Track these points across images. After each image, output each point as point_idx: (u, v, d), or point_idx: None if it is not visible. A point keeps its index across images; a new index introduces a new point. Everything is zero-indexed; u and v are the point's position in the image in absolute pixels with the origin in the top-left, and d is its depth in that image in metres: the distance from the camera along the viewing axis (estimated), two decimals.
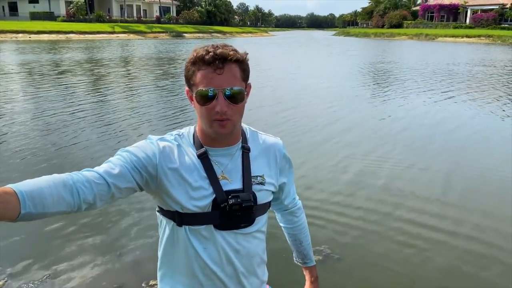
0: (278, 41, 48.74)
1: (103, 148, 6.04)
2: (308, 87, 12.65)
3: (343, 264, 3.35)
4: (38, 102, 9.40)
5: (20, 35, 38.73)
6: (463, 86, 12.88)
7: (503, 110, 9.21)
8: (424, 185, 4.95)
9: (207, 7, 74.27)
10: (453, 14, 66.20)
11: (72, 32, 42.71)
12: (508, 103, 10.07)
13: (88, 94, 10.80)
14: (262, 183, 1.32)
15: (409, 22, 68.15)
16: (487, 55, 27.33)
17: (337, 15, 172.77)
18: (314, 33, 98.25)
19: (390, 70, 17.80)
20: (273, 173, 1.37)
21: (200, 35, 56.20)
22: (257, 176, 1.31)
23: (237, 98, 1.19)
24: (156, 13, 68.51)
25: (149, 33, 51.35)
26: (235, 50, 1.20)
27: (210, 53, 1.15)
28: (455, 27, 58.08)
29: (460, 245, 3.65)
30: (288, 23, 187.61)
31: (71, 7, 54.75)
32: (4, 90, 10.93)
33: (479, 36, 46.14)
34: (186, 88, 1.25)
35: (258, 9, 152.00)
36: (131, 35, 48.27)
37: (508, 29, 51.87)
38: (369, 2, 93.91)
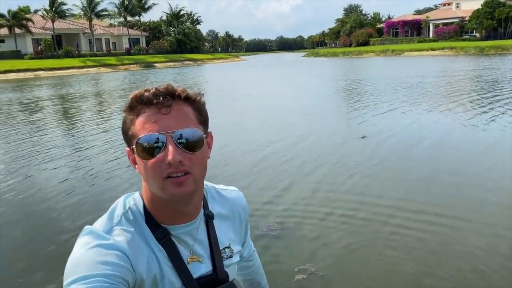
0: (250, 65, 49.26)
1: (69, 189, 5.77)
2: (278, 106, 12.68)
3: (328, 282, 3.29)
4: (1, 142, 9.05)
5: None
6: (426, 98, 13.13)
7: (462, 117, 9.40)
8: (406, 196, 4.89)
9: (177, 36, 74.80)
10: (416, 29, 68.72)
11: (40, 69, 42.12)
12: (465, 111, 10.30)
13: (54, 131, 10.49)
14: (230, 257, 1.09)
15: (375, 39, 70.25)
16: (451, 65, 28.27)
17: (305, 37, 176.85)
18: (285, 55, 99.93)
19: (357, 87, 18.11)
20: (238, 238, 1.14)
21: (171, 64, 56.32)
22: (225, 248, 1.08)
23: (193, 144, 0.90)
24: (125, 45, 68.47)
25: (120, 65, 51.09)
26: (185, 88, 0.94)
27: (151, 90, 0.90)
28: (419, 41, 60.19)
29: (451, 258, 3.50)
30: (259, 47, 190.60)
31: (39, 44, 54.23)
32: None
33: (442, 48, 47.94)
34: (127, 148, 0.96)
35: (228, 35, 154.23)
36: (102, 68, 47.94)
37: (469, 40, 54.18)
38: (336, 23, 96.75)
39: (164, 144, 0.87)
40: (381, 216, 4.40)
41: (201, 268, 1.02)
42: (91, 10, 60.84)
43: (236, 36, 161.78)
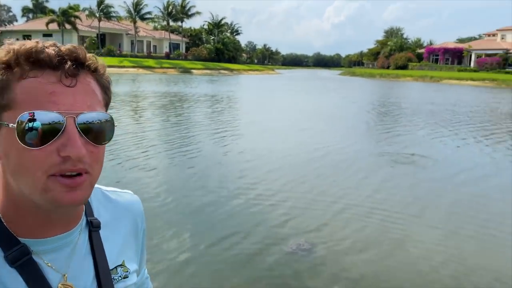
0: (281, 77, 49.50)
1: None
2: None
3: (316, 254, 3.65)
4: None
5: None
6: (468, 128, 12.81)
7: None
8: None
9: (216, 44, 76.12)
10: (457, 57, 67.27)
11: None
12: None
13: None
14: (125, 277, 0.81)
15: (414, 64, 69.17)
16: (492, 96, 27.48)
17: (343, 55, 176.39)
18: (321, 72, 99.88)
19: (391, 111, 17.88)
20: (134, 253, 0.87)
21: (208, 71, 57.25)
22: (117, 267, 0.80)
23: (101, 134, 0.67)
24: (166, 49, 70.17)
25: (158, 68, 52.42)
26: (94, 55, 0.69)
27: (52, 48, 0.63)
28: (459, 70, 58.78)
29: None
30: (295, 61, 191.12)
31: (84, 41, 56.41)
32: None
33: (483, 79, 46.59)
34: None
35: (265, 47, 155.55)
36: (141, 70, 49.29)
37: None
38: (375, 44, 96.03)
39: (63, 128, 0.62)
40: (415, 235, 4.32)
41: None
42: (136, 13, 62.79)
43: (273, 49, 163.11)
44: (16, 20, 77.44)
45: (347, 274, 3.71)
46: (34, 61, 0.62)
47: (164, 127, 11.58)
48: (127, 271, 0.81)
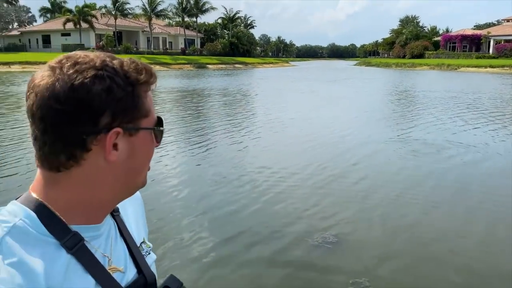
0: (301, 71, 49.41)
1: None
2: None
3: (342, 246, 4.03)
4: None
5: None
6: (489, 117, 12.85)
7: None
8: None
9: (230, 39, 76.34)
10: (475, 44, 66.10)
11: None
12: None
13: None
14: (149, 253, 0.89)
15: (431, 52, 68.25)
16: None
17: (358, 45, 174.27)
18: (335, 63, 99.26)
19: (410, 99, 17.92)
20: (144, 230, 0.94)
21: (223, 66, 57.63)
22: (141, 244, 0.88)
23: None
24: (181, 45, 70.69)
25: (174, 64, 52.99)
26: None
27: (140, 66, 0.74)
28: (478, 57, 57.87)
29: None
30: (309, 53, 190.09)
31: (101, 39, 57.26)
32: None
33: (503, 66, 45.85)
34: (118, 129, 0.69)
35: (279, 40, 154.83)
36: (157, 66, 49.86)
37: None
38: (390, 33, 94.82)
39: None
40: (438, 230, 4.59)
41: (124, 278, 0.78)
42: (151, 10, 63.38)
43: (287, 41, 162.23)
44: (35, 21, 78.98)
45: (375, 269, 4.00)
46: (140, 78, 0.72)
47: (184, 120, 11.96)
48: (149, 247, 0.89)
